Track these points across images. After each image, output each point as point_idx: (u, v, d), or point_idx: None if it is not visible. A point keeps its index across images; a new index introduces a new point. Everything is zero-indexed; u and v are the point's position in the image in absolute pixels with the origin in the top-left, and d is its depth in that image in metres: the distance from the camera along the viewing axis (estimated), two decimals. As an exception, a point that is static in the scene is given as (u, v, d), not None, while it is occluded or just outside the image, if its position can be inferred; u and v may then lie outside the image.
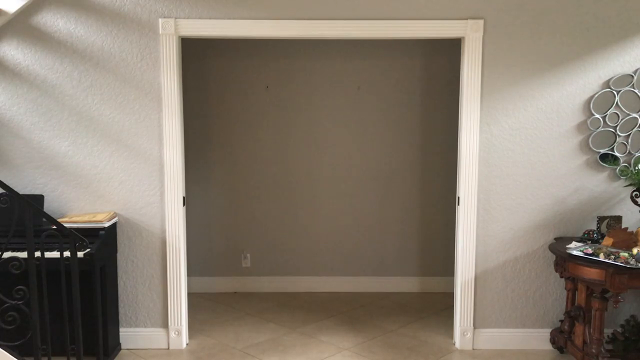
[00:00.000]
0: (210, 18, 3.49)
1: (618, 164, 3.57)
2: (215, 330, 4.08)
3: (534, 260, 3.68)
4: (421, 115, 4.82)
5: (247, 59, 4.77)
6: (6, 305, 2.66)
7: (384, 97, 4.80)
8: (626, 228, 3.38)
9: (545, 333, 3.72)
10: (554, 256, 3.45)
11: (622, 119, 3.54)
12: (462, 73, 3.58)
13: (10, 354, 2.74)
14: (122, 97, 3.55)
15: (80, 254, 3.11)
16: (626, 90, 3.52)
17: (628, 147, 3.57)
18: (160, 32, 3.49)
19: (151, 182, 3.62)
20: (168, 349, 3.73)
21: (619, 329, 3.53)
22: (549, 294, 3.71)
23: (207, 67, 4.77)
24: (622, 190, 3.61)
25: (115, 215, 3.59)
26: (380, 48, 4.71)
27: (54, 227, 2.89)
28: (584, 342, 3.30)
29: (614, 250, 3.13)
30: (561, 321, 3.65)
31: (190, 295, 4.07)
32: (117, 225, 3.63)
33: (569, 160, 3.61)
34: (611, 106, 3.53)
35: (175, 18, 3.48)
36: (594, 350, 3.18)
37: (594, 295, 3.19)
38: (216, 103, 4.82)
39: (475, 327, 3.74)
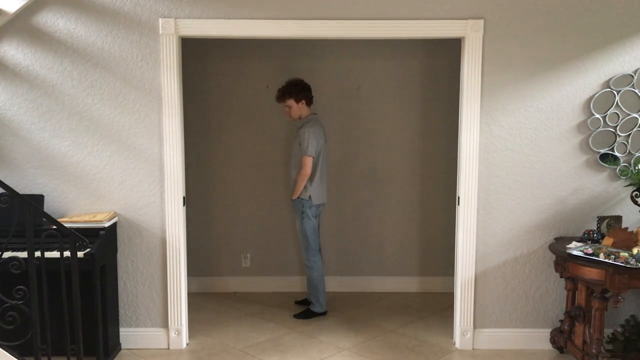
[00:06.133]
0: (210, 18, 3.49)
1: (618, 164, 3.57)
2: (215, 330, 4.07)
3: (534, 260, 3.68)
4: (421, 115, 4.82)
5: (247, 59, 4.77)
6: (6, 305, 2.66)
7: (384, 97, 4.80)
8: (626, 228, 3.38)
9: (545, 333, 3.72)
10: (554, 256, 3.45)
11: (622, 119, 3.54)
12: (462, 73, 3.59)
13: (10, 354, 2.74)
14: (122, 97, 3.55)
15: (80, 254, 3.10)
16: (626, 90, 3.52)
17: (628, 147, 3.57)
18: (160, 32, 3.49)
19: (151, 182, 3.62)
20: (168, 349, 3.73)
21: (619, 329, 3.53)
22: (549, 294, 3.71)
23: (207, 67, 4.77)
24: (622, 190, 3.61)
25: (115, 215, 3.59)
26: (380, 48, 4.71)
27: (54, 227, 2.89)
28: (584, 342, 3.31)
29: (614, 250, 3.13)
30: (561, 321, 3.65)
31: (190, 295, 4.07)
32: (117, 225, 3.63)
33: (569, 160, 3.61)
34: (611, 106, 3.53)
35: (175, 18, 3.48)
36: (594, 350, 3.18)
37: (594, 295, 3.19)
38: (216, 103, 4.82)
39: (475, 327, 3.74)
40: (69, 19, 3.48)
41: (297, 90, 4.17)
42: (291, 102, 4.17)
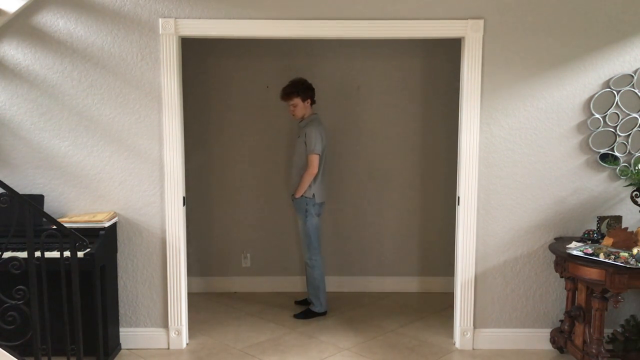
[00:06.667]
0: (210, 18, 3.49)
1: (618, 164, 3.57)
2: (215, 330, 4.07)
3: (534, 260, 3.68)
4: (421, 115, 4.82)
5: (247, 59, 4.77)
6: (6, 305, 2.66)
7: (384, 97, 4.80)
8: (626, 228, 3.38)
9: (545, 333, 3.72)
10: (554, 256, 3.45)
11: (622, 119, 3.54)
12: (462, 73, 3.59)
13: (10, 354, 2.74)
14: (122, 97, 3.55)
15: (80, 254, 3.10)
16: (626, 90, 3.52)
17: (628, 147, 3.57)
18: (160, 32, 3.49)
19: (151, 182, 3.62)
20: (168, 349, 3.73)
21: (619, 329, 3.53)
22: (549, 294, 3.71)
23: (207, 67, 4.77)
24: (622, 190, 3.61)
25: (115, 215, 3.59)
26: (380, 48, 4.71)
27: (54, 227, 2.89)
28: (584, 342, 3.30)
29: (614, 250, 3.13)
30: (561, 321, 3.65)
31: (190, 295, 4.07)
32: (117, 225, 3.63)
33: (569, 160, 3.61)
34: (611, 106, 3.53)
35: (175, 18, 3.48)
36: (594, 350, 3.18)
37: (594, 295, 3.19)
38: (216, 103, 4.82)
39: (475, 327, 3.74)
40: (69, 19, 3.48)
41: (304, 88, 4.20)
42: (298, 100, 4.18)
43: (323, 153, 4.21)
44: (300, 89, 4.19)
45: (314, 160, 4.12)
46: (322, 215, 4.43)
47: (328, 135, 4.42)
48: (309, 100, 4.23)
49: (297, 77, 4.26)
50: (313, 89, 4.26)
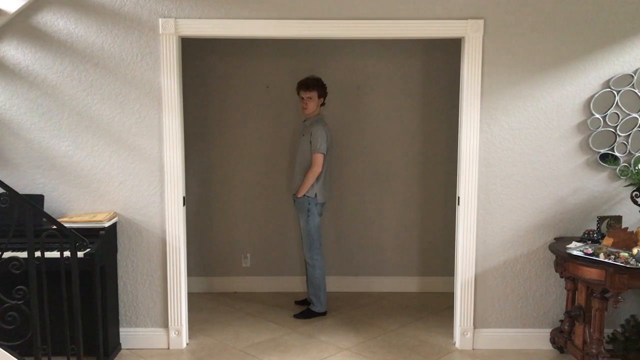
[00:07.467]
0: (210, 18, 3.49)
1: (618, 164, 3.57)
2: (215, 330, 4.08)
3: (534, 260, 3.68)
4: (421, 115, 4.82)
5: (247, 59, 4.77)
6: (6, 305, 2.66)
7: (384, 97, 4.80)
8: (626, 228, 3.38)
9: (545, 333, 3.72)
10: (554, 256, 3.46)
11: (622, 119, 3.54)
12: (462, 73, 3.59)
13: (10, 354, 2.74)
14: (122, 97, 3.55)
15: (80, 254, 3.10)
16: (626, 90, 3.52)
17: (628, 147, 3.57)
18: (160, 32, 3.49)
19: (151, 182, 3.62)
20: (168, 349, 3.73)
21: (619, 329, 3.53)
22: (549, 294, 3.71)
23: (207, 67, 4.77)
24: (622, 190, 3.61)
25: (115, 215, 3.59)
26: (380, 48, 4.71)
27: (54, 227, 2.88)
28: (584, 342, 3.31)
29: (614, 250, 3.13)
30: (561, 321, 3.65)
31: (190, 295, 4.07)
32: (117, 225, 3.63)
33: (569, 160, 3.61)
34: (611, 106, 3.53)
35: (175, 18, 3.48)
36: (594, 350, 3.18)
37: (594, 295, 3.19)
38: (216, 103, 4.82)
39: (475, 327, 3.74)
40: (69, 19, 3.48)
41: (322, 86, 4.26)
42: (315, 94, 4.20)
43: (327, 153, 4.21)
44: (319, 84, 4.23)
45: (319, 159, 4.12)
46: (323, 215, 4.44)
47: (331, 136, 4.43)
48: (322, 99, 4.26)
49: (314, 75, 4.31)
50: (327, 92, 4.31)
